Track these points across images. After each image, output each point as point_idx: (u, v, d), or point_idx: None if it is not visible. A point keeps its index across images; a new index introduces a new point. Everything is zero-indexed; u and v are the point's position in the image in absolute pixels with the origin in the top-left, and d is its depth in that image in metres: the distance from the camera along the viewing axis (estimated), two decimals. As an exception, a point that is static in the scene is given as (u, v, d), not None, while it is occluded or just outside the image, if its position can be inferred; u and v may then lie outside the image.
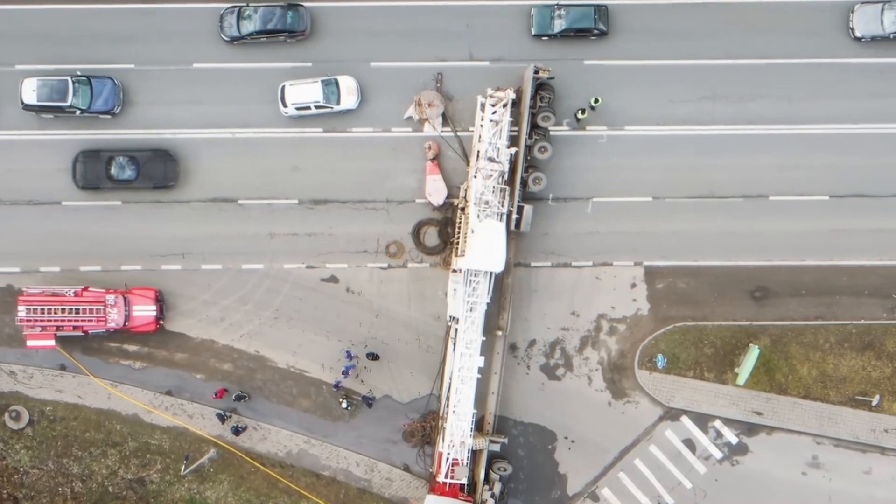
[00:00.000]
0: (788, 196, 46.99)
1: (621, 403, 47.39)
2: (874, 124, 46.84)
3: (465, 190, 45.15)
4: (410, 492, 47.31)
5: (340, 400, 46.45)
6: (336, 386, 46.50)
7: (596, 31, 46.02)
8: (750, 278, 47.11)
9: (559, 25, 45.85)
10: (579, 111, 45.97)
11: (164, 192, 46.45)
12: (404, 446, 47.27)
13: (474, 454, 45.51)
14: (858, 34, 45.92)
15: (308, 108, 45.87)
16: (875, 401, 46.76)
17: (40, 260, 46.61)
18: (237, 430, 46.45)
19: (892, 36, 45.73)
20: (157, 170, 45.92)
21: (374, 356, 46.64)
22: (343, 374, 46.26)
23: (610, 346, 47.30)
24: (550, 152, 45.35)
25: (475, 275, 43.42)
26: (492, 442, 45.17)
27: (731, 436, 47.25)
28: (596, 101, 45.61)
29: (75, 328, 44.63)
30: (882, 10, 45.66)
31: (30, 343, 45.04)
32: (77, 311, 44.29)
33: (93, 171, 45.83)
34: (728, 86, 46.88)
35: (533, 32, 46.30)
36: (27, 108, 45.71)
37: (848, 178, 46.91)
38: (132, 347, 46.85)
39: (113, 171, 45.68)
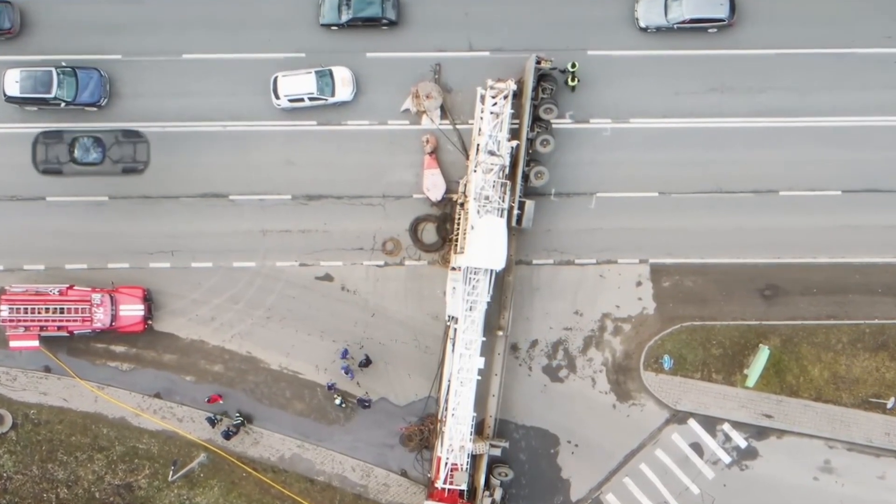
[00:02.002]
0: (799, 191, 46.24)
1: (626, 406, 46.77)
2: (888, 116, 46.01)
3: (465, 185, 44.56)
4: (408, 498, 46.74)
5: (335, 397, 45.83)
6: (330, 387, 45.90)
7: (385, 21, 45.06)
8: (759, 276, 46.44)
9: (346, 15, 44.97)
10: (568, 78, 45.17)
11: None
12: (401, 451, 46.69)
13: (474, 459, 44.96)
14: (643, 24, 45.38)
15: (301, 99, 45.21)
16: (890, 403, 46.10)
17: (24, 258, 45.97)
18: (228, 435, 45.45)
19: (675, 27, 45.10)
20: (126, 152, 44.41)
21: (366, 362, 45.79)
22: (346, 372, 45.57)
23: (614, 347, 46.72)
24: (553, 146, 44.73)
25: (475, 273, 42.89)
26: (492, 446, 44.63)
27: (740, 439, 46.70)
28: (573, 66, 44.74)
29: (60, 328, 43.96)
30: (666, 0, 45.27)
31: (13, 344, 44.47)
32: (62, 311, 43.62)
33: (54, 154, 44.27)
34: (737, 77, 46.05)
35: (321, 22, 45.48)
36: (10, 100, 44.84)
37: (861, 173, 46.08)
38: (119, 348, 46.26)
39: (77, 153, 44.30)
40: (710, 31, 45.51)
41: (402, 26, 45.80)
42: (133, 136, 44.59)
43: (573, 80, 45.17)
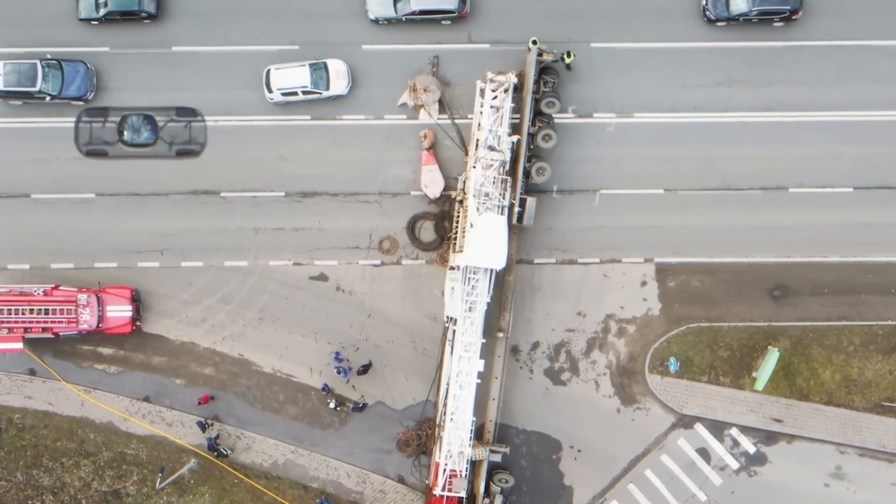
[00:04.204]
0: (809, 188, 45.63)
1: (631, 410, 46.22)
2: (901, 111, 45.70)
3: (464, 181, 44.01)
4: (405, 505, 46.45)
5: (328, 400, 45.20)
6: (324, 389, 45.34)
7: (144, 14, 44.12)
8: (768, 276, 45.84)
9: (104, 9, 44.00)
10: (564, 54, 44.16)
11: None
12: (398, 456, 46.10)
13: (473, 465, 44.49)
14: (372, 17, 44.68)
15: (295, 93, 44.54)
16: (903, 407, 45.75)
17: (8, 257, 45.45)
18: (212, 446, 44.81)
19: (403, 19, 44.40)
20: (181, 132, 43.85)
21: (364, 369, 45.15)
22: (342, 374, 44.98)
23: (619, 349, 46.13)
24: (555, 141, 44.12)
25: (474, 272, 42.34)
26: (492, 452, 44.10)
27: (748, 444, 46.17)
28: (534, 42, 43.66)
29: (45, 330, 43.30)
30: None
31: (-4, 346, 44.04)
32: (47, 312, 43.02)
33: (99, 134, 43.72)
34: (745, 70, 45.37)
35: (80, 16, 44.51)
36: (-6, 93, 44.35)
37: (873, 169, 45.43)
38: (107, 350, 45.71)
39: (126, 133, 43.85)
40: (443, 23, 44.70)
41: (161, 19, 44.87)
42: (188, 114, 44.04)
43: (568, 56, 44.13)
